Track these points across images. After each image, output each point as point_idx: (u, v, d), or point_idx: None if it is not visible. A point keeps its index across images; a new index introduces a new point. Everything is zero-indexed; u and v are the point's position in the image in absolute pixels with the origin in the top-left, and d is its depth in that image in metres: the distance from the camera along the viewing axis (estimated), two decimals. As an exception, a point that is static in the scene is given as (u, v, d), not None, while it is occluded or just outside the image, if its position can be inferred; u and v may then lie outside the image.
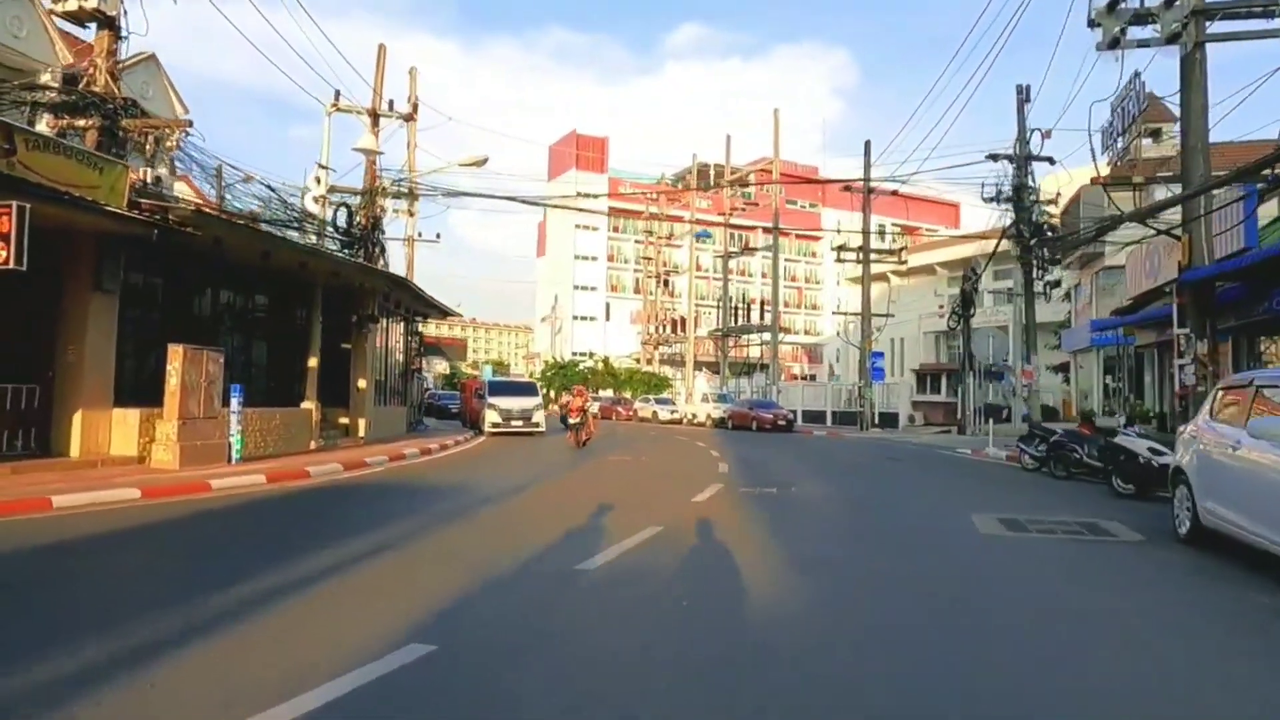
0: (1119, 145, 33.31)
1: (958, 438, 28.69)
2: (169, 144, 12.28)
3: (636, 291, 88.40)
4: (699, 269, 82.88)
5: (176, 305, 15.93)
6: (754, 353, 65.69)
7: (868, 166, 34.90)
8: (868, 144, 35.17)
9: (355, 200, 19.47)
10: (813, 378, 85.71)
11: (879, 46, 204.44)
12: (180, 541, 7.40)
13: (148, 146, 11.97)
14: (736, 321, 56.11)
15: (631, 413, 47.95)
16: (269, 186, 15.44)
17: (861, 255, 34.81)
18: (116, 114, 11.64)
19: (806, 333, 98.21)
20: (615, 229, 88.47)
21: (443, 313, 25.43)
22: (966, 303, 30.54)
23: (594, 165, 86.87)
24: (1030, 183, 19.45)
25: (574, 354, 77.55)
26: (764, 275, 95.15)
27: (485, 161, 19.34)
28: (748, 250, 66.71)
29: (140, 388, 14.16)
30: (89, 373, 12.01)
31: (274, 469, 12.60)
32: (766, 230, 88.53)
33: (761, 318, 54.86)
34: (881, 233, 41.15)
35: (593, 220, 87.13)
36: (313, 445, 16.86)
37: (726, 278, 56.95)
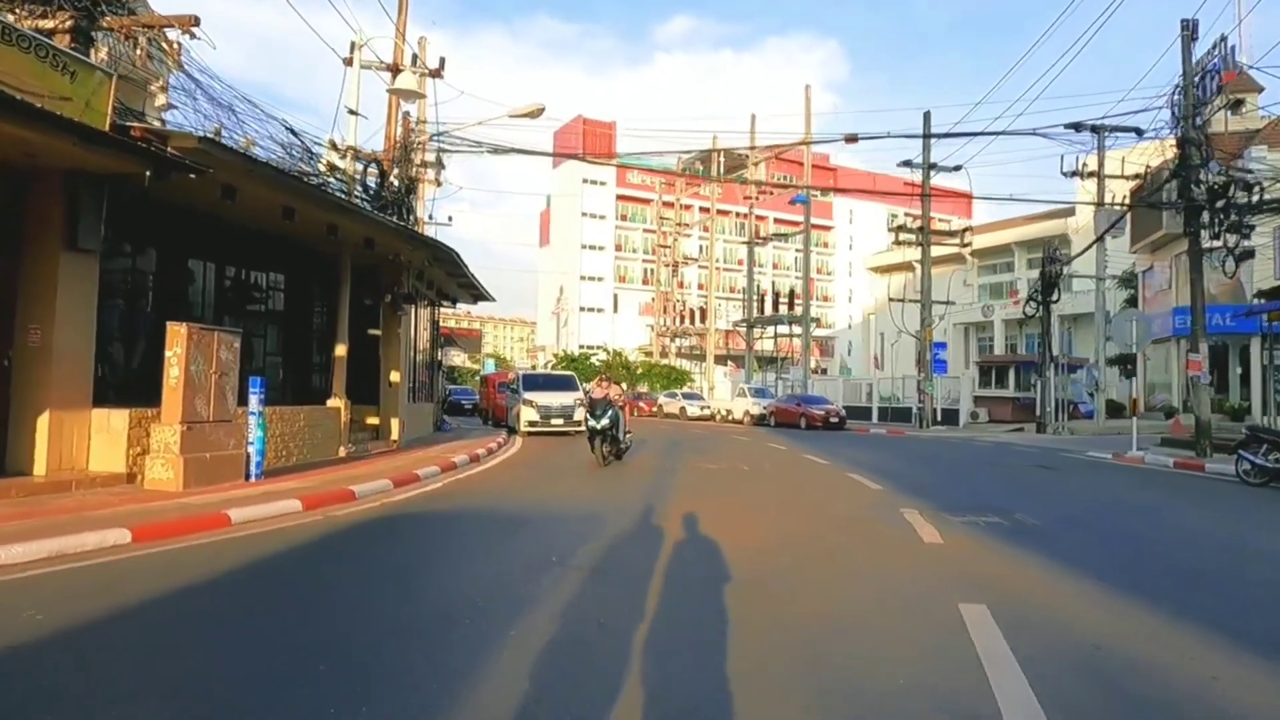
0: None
1: (1044, 437, 25.76)
2: (167, 56, 9.10)
3: (645, 283, 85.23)
4: (707, 258, 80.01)
5: (171, 279, 12.77)
6: (766, 344, 62.70)
7: (926, 140, 31.83)
8: (927, 114, 32.18)
9: (376, 161, 16.25)
10: (824, 371, 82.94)
11: (869, 39, 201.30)
12: (207, 659, 4.28)
13: (138, 55, 8.80)
14: (761, 311, 53.00)
15: (655, 408, 44.98)
16: (290, 129, 12.28)
17: (921, 237, 31.79)
18: (96, 7, 8.45)
19: (819, 325, 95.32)
20: (623, 217, 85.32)
21: (475, 296, 22.30)
22: (1048, 287, 27.60)
23: (601, 151, 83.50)
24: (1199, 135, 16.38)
25: (582, 347, 74.37)
26: (775, 265, 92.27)
27: (541, 111, 16.22)
28: (760, 239, 63.37)
29: (128, 382, 11.06)
30: (59, 361, 8.85)
31: (308, 489, 9.49)
32: (778, 220, 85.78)
33: (791, 307, 51.90)
34: (900, 224, 38.00)
35: (600, 208, 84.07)
36: (342, 451, 13.76)
37: (752, 266, 53.91)
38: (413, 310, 18.23)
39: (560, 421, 23.27)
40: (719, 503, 9.71)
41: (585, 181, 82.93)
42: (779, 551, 6.68)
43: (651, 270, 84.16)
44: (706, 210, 79.32)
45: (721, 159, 68.60)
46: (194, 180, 9.81)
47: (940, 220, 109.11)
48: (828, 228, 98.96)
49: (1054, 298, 27.08)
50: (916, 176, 31.69)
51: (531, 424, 23.01)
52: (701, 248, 78.59)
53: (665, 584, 5.46)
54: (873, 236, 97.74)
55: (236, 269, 14.24)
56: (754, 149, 51.26)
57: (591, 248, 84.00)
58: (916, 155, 31.90)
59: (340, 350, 14.13)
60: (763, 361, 61.66)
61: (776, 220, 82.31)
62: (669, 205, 71.54)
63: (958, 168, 31.64)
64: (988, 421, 32.59)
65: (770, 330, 56.71)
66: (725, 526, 7.78)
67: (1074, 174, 28.50)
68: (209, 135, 8.98)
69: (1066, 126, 28.82)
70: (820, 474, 13.51)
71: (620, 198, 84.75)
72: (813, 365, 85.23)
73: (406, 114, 16.22)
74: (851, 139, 20.41)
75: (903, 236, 32.13)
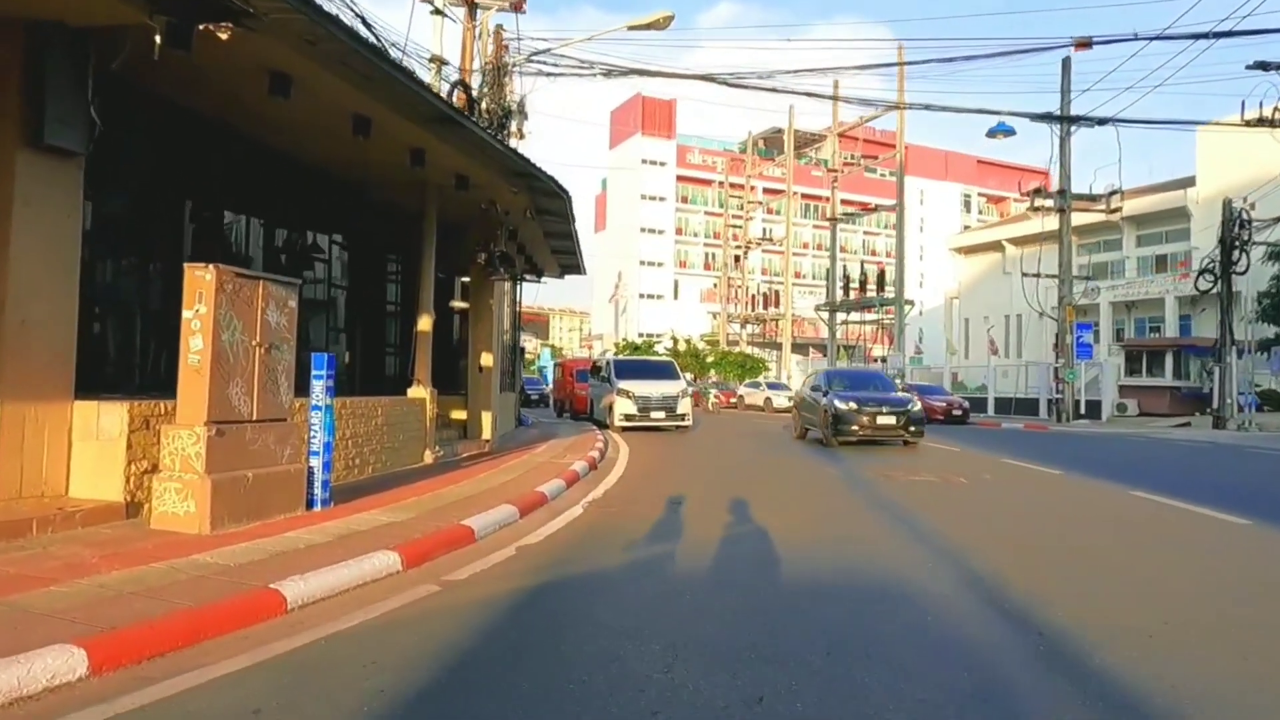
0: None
1: (1234, 434, 21.49)
2: None
3: (706, 268, 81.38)
4: (773, 241, 76.12)
5: (203, 228, 9.53)
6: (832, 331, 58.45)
7: (1066, 93, 27.52)
8: (1066, 61, 27.76)
9: (462, 84, 12.78)
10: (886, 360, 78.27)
11: (918, 22, 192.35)
12: None
13: None
14: (846, 295, 48.97)
15: (735, 399, 41.39)
16: (362, 19, 8.89)
17: (1060, 201, 27.44)
18: None
19: (887, 312, 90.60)
20: (684, 199, 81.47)
21: (563, 266, 18.93)
22: (1227, 256, 23.23)
23: (660, 131, 79.77)
24: None
25: (641, 334, 70.90)
26: (843, 248, 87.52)
27: (669, 20, 12.67)
28: (844, 217, 59.10)
29: (129, 364, 7.84)
30: (18, 325, 5.57)
31: (403, 525, 6.11)
32: (845, 200, 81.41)
33: (880, 289, 47.89)
34: (1036, 186, 33.37)
35: (660, 190, 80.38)
36: (428, 456, 10.43)
37: (835, 246, 49.87)
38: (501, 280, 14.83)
39: (661, 415, 19.82)
40: (1053, 560, 6.07)
41: (644, 162, 79.28)
42: None
43: (712, 255, 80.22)
44: (771, 191, 75.27)
45: (788, 139, 64.43)
46: (230, 63, 6.49)
47: (1016, 200, 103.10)
48: (893, 209, 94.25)
49: (1240, 268, 22.69)
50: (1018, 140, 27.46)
51: (628, 417, 19.60)
52: (765, 230, 74.58)
53: None
54: (944, 218, 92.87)
55: (289, 218, 10.97)
56: (836, 124, 47.06)
57: (650, 231, 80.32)
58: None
59: (424, 324, 10.77)
60: (841, 349, 57.69)
61: (843, 201, 77.95)
62: (737, 187, 67.57)
63: (1104, 121, 27.20)
64: (1138, 414, 28.24)
65: (843, 317, 52.67)
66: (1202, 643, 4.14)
67: (1259, 121, 24.00)
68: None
69: (1249, 67, 24.41)
70: (1084, 493, 9.75)
71: (680, 179, 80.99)
72: (882, 353, 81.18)
73: (500, 27, 12.82)
74: (1084, 44, 16.46)
75: (1039, 201, 27.78)
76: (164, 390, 6.44)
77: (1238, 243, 22.73)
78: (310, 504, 6.54)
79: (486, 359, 12.90)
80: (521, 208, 12.18)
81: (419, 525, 6.16)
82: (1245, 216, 22.75)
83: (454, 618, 4.23)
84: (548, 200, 12.15)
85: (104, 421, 5.85)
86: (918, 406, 15.16)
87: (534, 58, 13.29)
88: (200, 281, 5.68)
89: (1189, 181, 49.83)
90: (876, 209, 68.84)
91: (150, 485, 5.75)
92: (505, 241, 12.71)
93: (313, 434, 6.65)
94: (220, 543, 5.29)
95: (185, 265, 5.73)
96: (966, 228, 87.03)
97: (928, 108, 36.46)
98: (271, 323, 6.20)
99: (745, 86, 17.84)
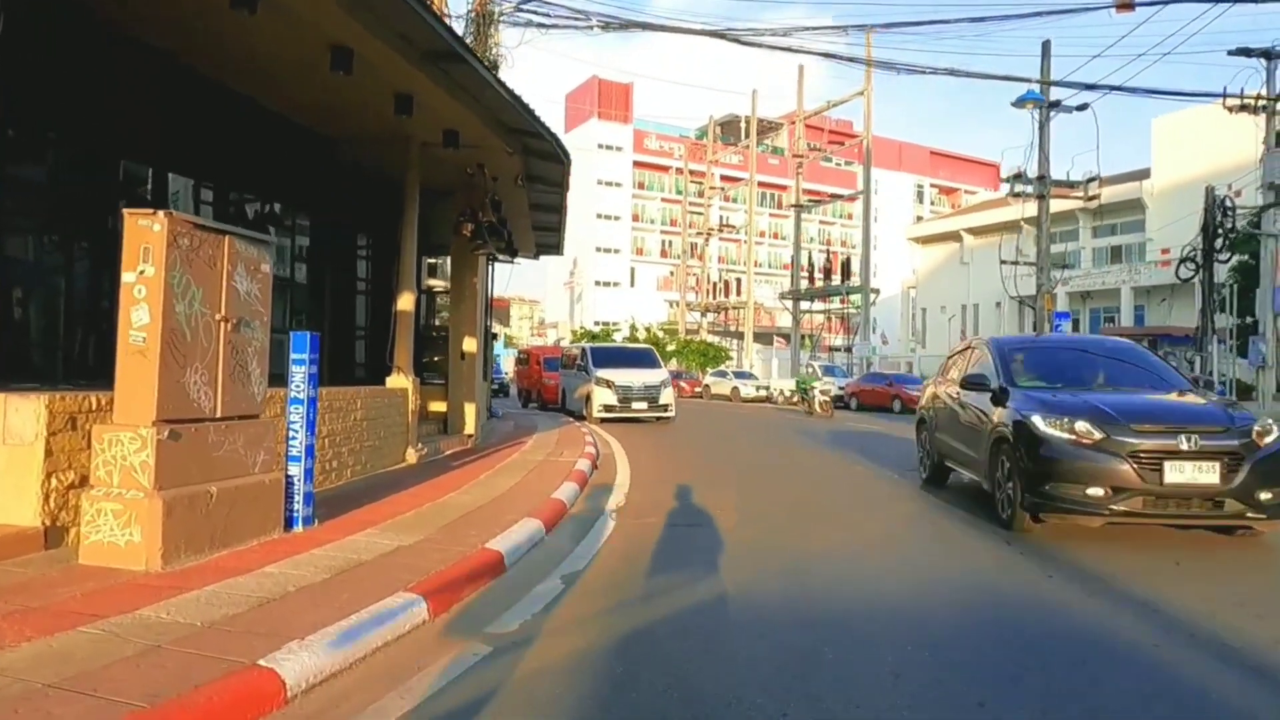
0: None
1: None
2: None
3: (663, 255, 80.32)
4: (732, 229, 75.29)
5: (132, 191, 7.98)
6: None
7: (1046, 71, 27.01)
8: (1046, 44, 27.29)
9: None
10: (849, 349, 78.50)
11: (866, 8, 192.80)
12: None
13: None
14: (811, 283, 48.40)
15: (700, 388, 40.49)
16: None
17: (1040, 187, 26.93)
18: None
19: (842, 302, 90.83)
20: (640, 185, 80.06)
21: (541, 246, 17.55)
22: (1210, 244, 22.89)
23: (617, 113, 78.16)
24: None
25: (598, 323, 69.48)
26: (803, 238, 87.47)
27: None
28: (806, 205, 58.50)
29: (51, 348, 6.35)
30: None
31: (411, 550, 4.78)
32: (804, 190, 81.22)
33: (846, 277, 47.42)
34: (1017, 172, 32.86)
35: (616, 175, 78.83)
36: (412, 455, 9.04)
37: (799, 233, 49.17)
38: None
39: (643, 405, 18.62)
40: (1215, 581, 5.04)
41: (600, 147, 77.59)
42: None
43: (669, 242, 79.10)
44: (728, 179, 74.42)
45: (743, 125, 63.53)
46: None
47: (967, 191, 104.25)
48: (852, 198, 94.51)
49: (1225, 257, 22.39)
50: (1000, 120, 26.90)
51: (608, 408, 18.38)
52: (722, 218, 73.86)
53: None
54: (898, 208, 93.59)
55: (244, 179, 9.42)
56: (801, 109, 46.29)
57: (607, 218, 78.69)
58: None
59: (405, 303, 9.33)
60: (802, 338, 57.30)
61: (804, 191, 77.61)
62: (696, 174, 66.59)
63: (1084, 106, 26.80)
64: (1113, 404, 27.96)
65: (806, 305, 52.36)
66: None
67: (1240, 108, 23.77)
68: None
69: (1231, 53, 24.21)
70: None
71: (638, 164, 79.57)
72: (840, 343, 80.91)
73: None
74: (1125, 5, 15.71)
75: (1019, 187, 27.20)
76: (97, 381, 4.99)
77: (1220, 230, 22.39)
78: (290, 523, 5.15)
79: (470, 344, 11.49)
80: (512, 174, 10.80)
81: (433, 551, 4.84)
82: (1229, 203, 22.43)
83: (533, 705, 2.96)
84: (543, 165, 10.80)
85: (14, 420, 4.37)
86: (1274, 434, 5.73)
87: (523, 6, 11.92)
88: (146, 233, 4.24)
89: (1144, 174, 50.50)
90: (839, 198, 68.62)
91: (78, 505, 4.31)
92: (489, 208, 11.31)
93: (292, 434, 5.26)
94: (177, 586, 3.89)
95: (125, 212, 4.29)
96: (920, 218, 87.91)
97: (896, 68, 35.69)
98: (240, 291, 4.79)
99: (759, 45, 16.75)
